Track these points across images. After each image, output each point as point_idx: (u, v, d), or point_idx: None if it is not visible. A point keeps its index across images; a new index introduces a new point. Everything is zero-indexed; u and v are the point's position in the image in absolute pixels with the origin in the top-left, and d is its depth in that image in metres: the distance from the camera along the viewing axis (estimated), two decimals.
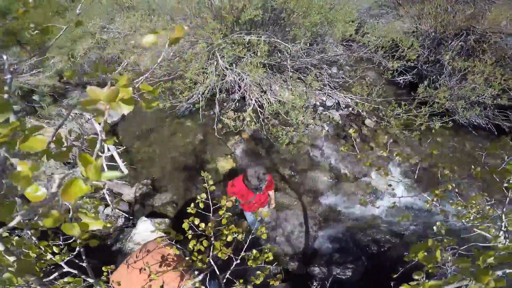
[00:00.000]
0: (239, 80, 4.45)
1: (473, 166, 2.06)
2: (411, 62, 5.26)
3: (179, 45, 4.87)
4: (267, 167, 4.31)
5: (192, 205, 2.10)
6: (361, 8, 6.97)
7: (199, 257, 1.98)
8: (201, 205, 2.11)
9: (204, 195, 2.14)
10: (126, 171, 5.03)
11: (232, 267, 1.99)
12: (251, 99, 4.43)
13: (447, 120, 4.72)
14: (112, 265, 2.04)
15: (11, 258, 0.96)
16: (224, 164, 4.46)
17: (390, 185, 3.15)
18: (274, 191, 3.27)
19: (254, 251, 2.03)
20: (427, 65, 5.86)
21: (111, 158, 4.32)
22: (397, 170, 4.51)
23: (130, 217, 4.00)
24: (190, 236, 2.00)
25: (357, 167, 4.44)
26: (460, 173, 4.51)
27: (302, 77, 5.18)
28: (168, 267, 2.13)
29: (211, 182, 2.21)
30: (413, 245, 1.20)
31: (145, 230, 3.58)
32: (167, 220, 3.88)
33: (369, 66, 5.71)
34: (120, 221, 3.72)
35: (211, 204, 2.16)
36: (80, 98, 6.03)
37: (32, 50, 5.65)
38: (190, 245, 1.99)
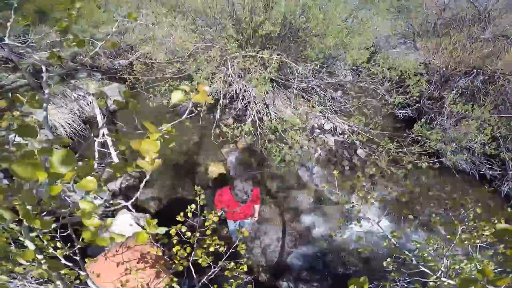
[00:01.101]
0: (244, 90, 4.80)
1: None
2: (414, 96, 5.67)
3: (194, 45, 5.18)
4: (256, 181, 4.69)
5: (182, 214, 2.47)
6: (379, 35, 7.32)
7: (181, 261, 2.36)
8: (190, 215, 2.48)
9: (193, 206, 2.51)
10: (116, 160, 5.43)
11: (210, 274, 2.36)
12: (253, 111, 4.78)
13: (435, 161, 5.16)
14: (94, 257, 2.37)
15: (40, 257, 1.32)
16: (215, 169, 4.82)
17: (359, 212, 3.56)
18: (260, 205, 3.64)
19: (232, 263, 2.41)
20: (430, 101, 6.26)
21: (103, 146, 4.64)
22: (376, 200, 4.94)
23: (111, 207, 4.26)
24: (175, 241, 2.37)
25: (339, 193, 4.85)
26: (435, 210, 4.99)
27: (306, 96, 5.55)
28: (147, 265, 2.44)
29: (202, 196, 2.58)
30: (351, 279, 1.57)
31: (124, 223, 3.66)
32: (148, 215, 4.12)
33: (373, 94, 6.08)
34: (99, 210, 4.01)
35: (199, 215, 2.53)
36: (85, 80, 6.32)
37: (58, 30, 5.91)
38: (174, 249, 2.36)
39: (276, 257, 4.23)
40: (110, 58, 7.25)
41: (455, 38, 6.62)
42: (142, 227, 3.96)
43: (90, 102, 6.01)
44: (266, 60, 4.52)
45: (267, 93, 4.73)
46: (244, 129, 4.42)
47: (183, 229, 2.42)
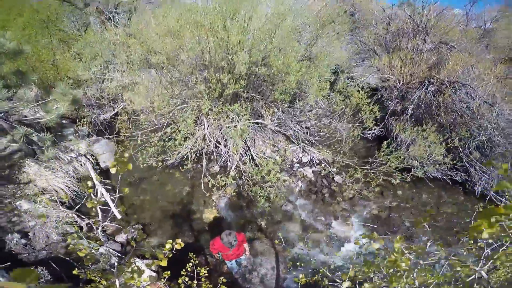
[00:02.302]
0: (224, 141, 5.51)
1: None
2: (381, 113, 6.47)
3: (170, 101, 5.91)
4: (245, 222, 5.38)
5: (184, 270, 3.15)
6: (340, 60, 8.20)
7: None
8: (189, 269, 3.16)
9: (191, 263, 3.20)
10: (119, 216, 6.19)
11: None
12: (233, 164, 5.49)
13: (406, 175, 5.94)
14: None
15: None
16: (209, 216, 5.49)
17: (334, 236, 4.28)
18: (248, 243, 4.48)
19: None
20: (393, 117, 7.10)
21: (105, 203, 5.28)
22: (358, 220, 5.66)
23: (123, 257, 4.91)
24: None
25: (323, 219, 5.56)
26: (413, 221, 5.73)
27: (282, 131, 6.30)
28: None
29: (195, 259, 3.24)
30: None
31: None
32: (155, 261, 4.81)
33: (341, 121, 6.88)
34: (114, 260, 4.64)
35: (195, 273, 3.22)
36: (75, 142, 6.90)
37: (42, 90, 6.54)
38: None
39: (273, 284, 4.90)
40: (93, 109, 7.90)
41: (403, 53, 7.50)
42: (155, 271, 4.70)
43: (84, 163, 6.62)
44: (239, 114, 5.26)
45: (244, 142, 5.45)
46: (227, 181, 5.11)
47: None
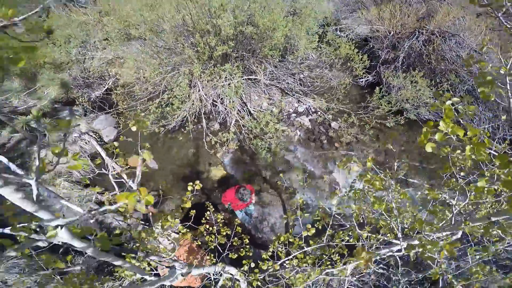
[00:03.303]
0: (221, 100, 5.82)
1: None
2: (373, 62, 6.75)
3: (161, 69, 6.14)
4: (250, 175, 5.81)
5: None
6: (330, 11, 8.32)
7: (210, 244, 3.50)
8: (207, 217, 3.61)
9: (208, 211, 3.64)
10: (134, 187, 6.61)
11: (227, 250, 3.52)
12: (232, 119, 5.83)
13: (400, 118, 6.32)
14: None
15: None
16: (216, 173, 5.92)
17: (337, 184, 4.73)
18: (256, 194, 4.88)
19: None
20: (384, 65, 7.39)
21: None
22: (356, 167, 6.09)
23: (146, 223, 5.38)
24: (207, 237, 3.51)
25: (323, 166, 6.00)
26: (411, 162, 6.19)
27: (277, 85, 6.59)
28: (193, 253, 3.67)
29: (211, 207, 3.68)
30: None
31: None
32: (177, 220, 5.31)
33: (332, 70, 7.16)
34: (140, 227, 5.12)
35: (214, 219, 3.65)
36: (70, 117, 7.18)
37: (24, 81, 6.74)
38: (206, 238, 3.50)
39: (282, 231, 5.40)
40: (82, 89, 8.10)
41: (391, 5, 7.69)
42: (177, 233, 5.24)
43: (88, 141, 6.94)
44: (231, 71, 5.52)
45: (240, 98, 5.75)
46: (229, 136, 5.47)
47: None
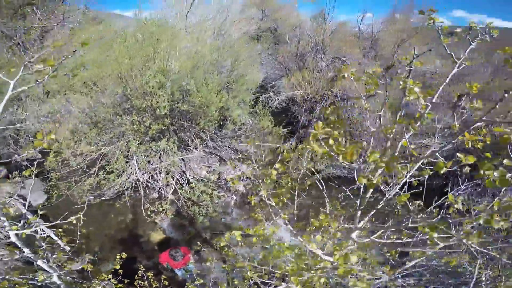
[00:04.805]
0: (159, 172, 6.49)
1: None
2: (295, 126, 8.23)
3: (101, 141, 6.57)
4: (190, 237, 6.47)
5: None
6: (262, 79, 9.81)
7: None
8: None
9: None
10: (68, 248, 6.80)
11: None
12: (167, 194, 6.52)
13: (315, 178, 7.79)
14: None
15: None
16: (155, 237, 6.45)
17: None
18: (196, 254, 5.82)
19: None
20: (303, 129, 9.01)
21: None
22: (282, 221, 7.29)
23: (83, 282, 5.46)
24: None
25: (257, 223, 7.00)
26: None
27: (216, 153, 7.53)
28: None
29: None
30: None
31: None
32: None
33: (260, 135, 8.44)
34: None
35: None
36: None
37: None
38: None
39: (225, 283, 6.12)
40: (8, 147, 7.79)
41: (307, 71, 9.44)
42: None
43: (13, 204, 6.72)
44: (167, 149, 6.31)
45: (180, 167, 6.51)
46: (165, 206, 6.15)
47: None
